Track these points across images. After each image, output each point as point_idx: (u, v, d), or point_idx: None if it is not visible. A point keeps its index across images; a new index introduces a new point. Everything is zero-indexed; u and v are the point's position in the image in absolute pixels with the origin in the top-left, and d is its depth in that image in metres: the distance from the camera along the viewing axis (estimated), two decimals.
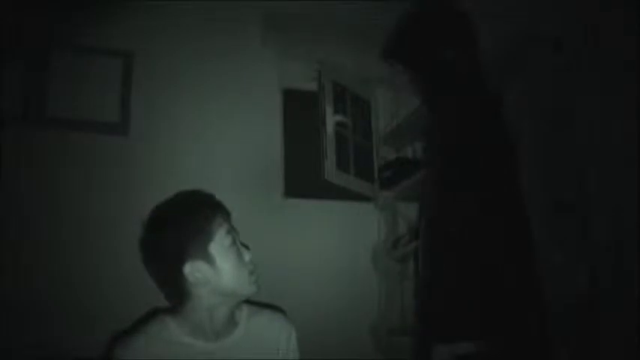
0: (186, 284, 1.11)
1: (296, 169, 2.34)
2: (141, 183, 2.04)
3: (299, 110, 2.38)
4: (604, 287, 1.73)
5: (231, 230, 1.18)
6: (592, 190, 1.79)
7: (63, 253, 1.92)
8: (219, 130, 2.27)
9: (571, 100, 1.83)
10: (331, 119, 2.26)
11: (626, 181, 1.68)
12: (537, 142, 1.91)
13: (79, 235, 1.96)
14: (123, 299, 1.84)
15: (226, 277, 1.12)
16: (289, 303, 2.03)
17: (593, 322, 1.73)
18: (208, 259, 1.11)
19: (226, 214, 1.19)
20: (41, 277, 1.85)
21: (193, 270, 1.10)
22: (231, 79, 2.32)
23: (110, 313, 1.78)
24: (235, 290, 1.15)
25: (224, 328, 1.16)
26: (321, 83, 2.25)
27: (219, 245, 1.13)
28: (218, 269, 1.12)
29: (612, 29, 1.73)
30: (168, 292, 1.14)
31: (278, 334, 1.24)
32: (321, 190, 2.27)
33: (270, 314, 1.28)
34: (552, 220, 1.82)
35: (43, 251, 1.89)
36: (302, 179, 2.33)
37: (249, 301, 1.25)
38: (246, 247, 1.20)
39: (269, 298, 2.02)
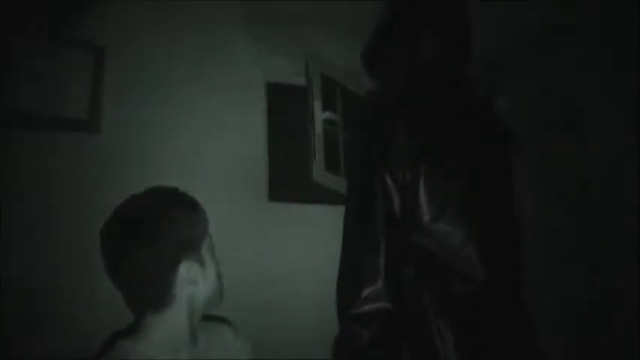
0: (175, 286, 0.99)
1: (281, 170, 2.19)
2: (111, 184, 1.84)
3: (285, 106, 2.22)
4: (604, 287, 1.75)
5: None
6: (592, 190, 1.80)
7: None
8: (199, 129, 2.07)
9: (571, 100, 1.83)
10: (320, 116, 2.14)
11: (626, 181, 1.69)
12: (537, 142, 1.90)
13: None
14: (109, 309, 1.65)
15: (209, 283, 1.04)
16: (278, 306, 1.94)
17: (593, 322, 1.74)
18: (200, 260, 1.02)
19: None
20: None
21: (187, 269, 1.00)
22: (212, 75, 2.12)
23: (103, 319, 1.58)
24: (213, 298, 1.07)
25: (193, 337, 1.06)
26: (310, 77, 2.12)
27: (207, 249, 1.05)
28: (206, 274, 1.03)
29: (613, 29, 1.74)
30: (153, 293, 0.99)
31: (231, 337, 1.18)
32: (308, 193, 2.15)
33: (215, 323, 1.19)
34: (552, 218, 1.82)
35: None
36: (288, 181, 2.19)
37: None
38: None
39: (257, 302, 1.90)
